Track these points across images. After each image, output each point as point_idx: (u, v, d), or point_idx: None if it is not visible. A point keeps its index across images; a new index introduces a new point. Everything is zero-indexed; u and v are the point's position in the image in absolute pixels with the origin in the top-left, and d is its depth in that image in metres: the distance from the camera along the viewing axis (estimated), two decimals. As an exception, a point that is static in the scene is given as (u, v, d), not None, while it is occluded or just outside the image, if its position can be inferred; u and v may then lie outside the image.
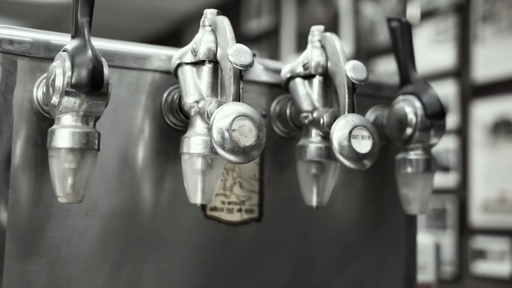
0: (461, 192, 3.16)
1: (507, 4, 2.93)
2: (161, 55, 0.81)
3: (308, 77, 0.83)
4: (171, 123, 0.81)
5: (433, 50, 3.33)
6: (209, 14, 0.77)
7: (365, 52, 3.81)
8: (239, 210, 0.85)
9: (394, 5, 3.64)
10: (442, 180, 3.24)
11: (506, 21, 2.93)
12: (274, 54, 4.60)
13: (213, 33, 0.75)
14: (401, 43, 0.90)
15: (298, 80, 0.83)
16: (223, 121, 0.68)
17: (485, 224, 2.98)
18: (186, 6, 5.40)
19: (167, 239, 0.80)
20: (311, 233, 0.90)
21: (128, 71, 0.79)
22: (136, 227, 0.78)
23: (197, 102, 0.75)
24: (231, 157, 0.68)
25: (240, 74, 0.71)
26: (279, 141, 0.88)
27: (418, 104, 0.86)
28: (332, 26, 4.09)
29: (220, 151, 0.68)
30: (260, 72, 0.87)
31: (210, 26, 0.76)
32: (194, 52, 0.76)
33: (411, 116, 0.86)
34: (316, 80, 0.82)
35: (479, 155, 3.03)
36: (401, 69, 0.90)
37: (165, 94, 0.80)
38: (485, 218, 2.98)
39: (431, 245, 1.27)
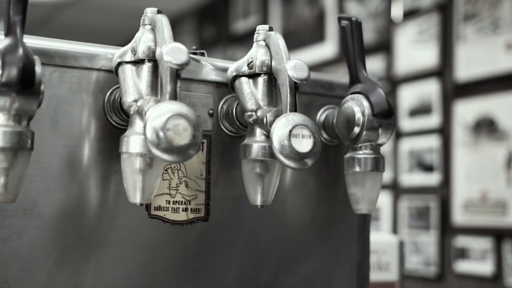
0: (443, 192, 3.16)
1: (488, 3, 2.93)
2: (105, 54, 0.80)
3: (253, 76, 0.82)
4: (114, 122, 0.80)
5: (416, 49, 3.33)
6: (149, 12, 0.76)
7: (349, 51, 3.81)
8: (185, 210, 0.85)
9: (378, 4, 3.64)
10: (426, 179, 3.24)
11: (488, 20, 2.94)
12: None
13: (153, 32, 0.75)
14: (351, 42, 0.90)
15: (243, 79, 0.83)
16: (157, 120, 0.68)
17: (467, 223, 2.98)
18: (177, 6, 5.40)
19: (109, 239, 0.79)
20: (259, 232, 0.90)
21: (70, 70, 0.78)
22: (77, 227, 0.78)
23: (136, 101, 0.74)
24: (166, 156, 0.68)
25: (177, 73, 0.70)
26: (227, 140, 0.88)
27: (365, 103, 0.86)
28: (318, 25, 4.09)
29: (154, 150, 0.68)
30: (208, 71, 0.87)
31: (150, 24, 0.76)
32: (134, 51, 0.76)
33: (358, 115, 0.86)
34: (261, 79, 0.82)
35: (461, 154, 3.03)
36: (350, 68, 0.90)
37: (108, 93, 0.80)
38: (467, 217, 2.98)
39: (394, 244, 1.27)
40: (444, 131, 3.16)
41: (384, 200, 3.50)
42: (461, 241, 3.01)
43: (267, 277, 0.89)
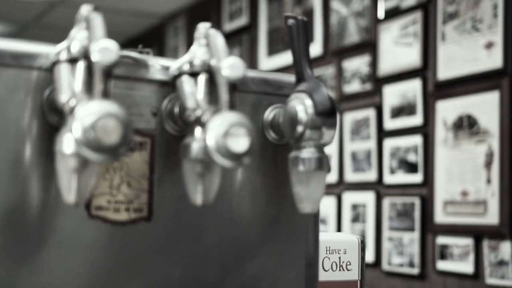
0: (425, 191, 3.16)
1: (470, 2, 2.93)
2: (44, 52, 0.80)
3: (194, 74, 0.82)
4: (54, 122, 0.80)
5: (399, 48, 3.33)
6: (84, 10, 0.76)
7: (334, 51, 3.81)
8: (127, 209, 0.84)
9: (362, 3, 3.64)
10: (409, 178, 3.24)
11: (469, 19, 2.94)
12: (253, 52, 4.60)
13: (87, 30, 0.75)
14: (296, 41, 0.90)
15: (185, 78, 0.82)
16: (85, 120, 0.67)
17: (448, 222, 2.98)
18: (170, 5, 5.40)
19: (48, 240, 0.79)
20: (204, 232, 0.89)
21: (6, 69, 0.78)
22: (13, 227, 0.77)
23: (69, 100, 0.74)
24: (94, 156, 0.68)
25: (107, 72, 0.70)
26: (171, 139, 0.87)
27: (308, 102, 0.85)
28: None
29: (83, 150, 0.68)
30: (152, 70, 0.86)
31: (85, 22, 0.75)
32: (69, 49, 0.75)
33: (301, 114, 0.85)
34: (201, 78, 0.81)
35: (442, 153, 3.03)
36: (296, 67, 0.89)
37: (47, 92, 0.79)
38: (448, 217, 2.98)
39: (356, 243, 1.26)
40: (426, 130, 3.16)
41: (368, 199, 3.50)
42: (442, 240, 3.02)
43: (211, 278, 0.89)
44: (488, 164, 2.78)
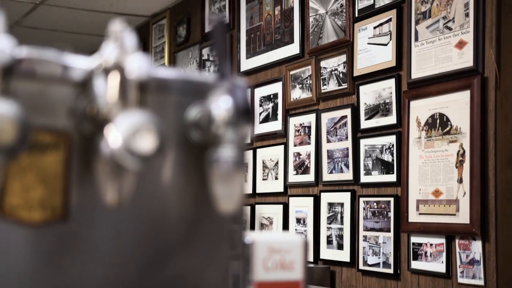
0: (399, 190, 3.16)
1: (443, 2, 2.93)
2: None
3: (105, 73, 0.81)
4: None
5: (374, 47, 3.33)
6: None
7: (312, 51, 3.81)
8: (42, 209, 0.83)
9: (339, 3, 3.63)
10: (384, 178, 3.24)
11: (442, 18, 2.93)
12: (235, 52, 4.59)
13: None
14: (217, 42, 0.89)
15: (97, 77, 0.82)
16: (-21, 120, 0.67)
17: (422, 221, 2.98)
18: (154, 6, 5.39)
19: (-45, 240, 0.78)
20: (124, 232, 0.88)
21: None
22: None
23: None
24: (-12, 156, 0.67)
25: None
26: (86, 139, 0.86)
27: (225, 101, 0.85)
28: (285, 24, 4.08)
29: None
30: (66, 69, 0.85)
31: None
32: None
33: (218, 113, 0.85)
34: (111, 77, 0.81)
35: (416, 152, 3.03)
36: (217, 67, 0.89)
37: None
38: (422, 216, 2.98)
39: (299, 243, 1.26)
40: (400, 130, 3.16)
41: (345, 199, 3.50)
42: (416, 239, 3.01)
43: (132, 278, 0.88)
44: (460, 163, 2.78)
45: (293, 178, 3.90)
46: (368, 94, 3.37)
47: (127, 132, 0.74)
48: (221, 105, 0.85)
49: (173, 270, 0.91)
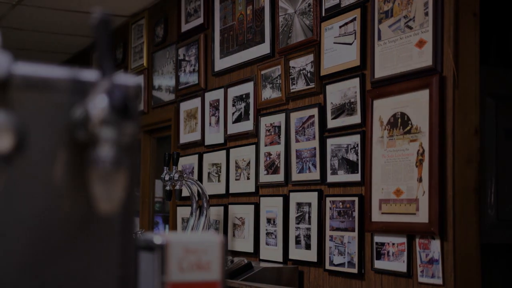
0: (363, 189, 3.15)
1: (404, 1, 2.92)
2: None
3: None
4: None
5: (340, 46, 3.32)
6: None
7: (282, 51, 3.80)
8: None
9: (307, 2, 3.63)
10: (349, 177, 3.24)
11: (403, 18, 2.93)
12: (209, 52, 4.58)
13: None
14: (99, 39, 0.88)
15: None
16: None
17: (384, 221, 2.98)
18: (133, 6, 5.38)
19: None
20: (6, 233, 0.88)
21: None
22: None
23: None
24: None
25: None
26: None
27: (104, 100, 0.84)
28: (257, 23, 4.08)
29: None
30: None
31: None
32: None
33: (97, 112, 0.84)
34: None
35: (379, 152, 3.02)
36: (98, 65, 0.88)
37: None
38: (384, 215, 2.98)
39: (216, 243, 1.25)
40: (363, 129, 3.16)
41: (312, 199, 3.49)
42: (379, 239, 3.01)
43: (14, 279, 0.87)
44: (420, 162, 2.78)
45: (264, 178, 3.90)
46: (335, 94, 3.36)
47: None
48: (97, 104, 0.84)
49: (57, 271, 0.90)
